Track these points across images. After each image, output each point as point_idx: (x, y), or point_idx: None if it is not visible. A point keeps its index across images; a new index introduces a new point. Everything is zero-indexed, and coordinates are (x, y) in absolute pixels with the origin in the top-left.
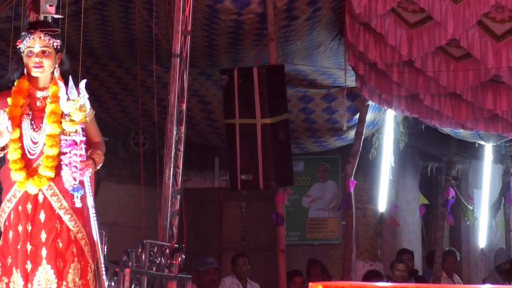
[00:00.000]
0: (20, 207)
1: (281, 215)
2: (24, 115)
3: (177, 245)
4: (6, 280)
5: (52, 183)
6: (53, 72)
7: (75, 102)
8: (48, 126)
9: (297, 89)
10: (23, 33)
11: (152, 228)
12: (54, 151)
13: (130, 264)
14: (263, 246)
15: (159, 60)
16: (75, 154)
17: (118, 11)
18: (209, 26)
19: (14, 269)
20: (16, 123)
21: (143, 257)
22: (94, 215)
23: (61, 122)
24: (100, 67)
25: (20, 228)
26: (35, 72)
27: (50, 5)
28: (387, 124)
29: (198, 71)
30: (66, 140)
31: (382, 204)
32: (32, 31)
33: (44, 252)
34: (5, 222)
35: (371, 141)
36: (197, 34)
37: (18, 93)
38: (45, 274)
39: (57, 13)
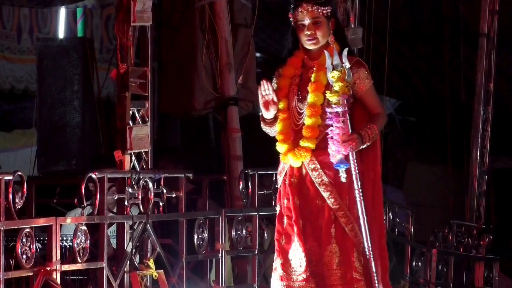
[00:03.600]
0: (287, 181)
1: None
2: (293, 86)
3: (484, 226)
4: (280, 261)
5: (314, 157)
6: (328, 42)
7: (338, 72)
8: (310, 95)
9: None
10: (292, 6)
11: (459, 208)
12: (313, 121)
13: (437, 244)
14: None
15: (466, 40)
16: (337, 127)
17: None
18: None
19: (292, 243)
20: (284, 94)
21: (450, 237)
22: (359, 192)
23: (324, 92)
24: (407, 47)
25: (285, 201)
26: (308, 45)
27: None
28: None
29: (507, 51)
30: (330, 113)
31: None
32: (298, 3)
33: (309, 229)
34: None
35: None
36: (505, 13)
37: (291, 64)
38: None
39: None
